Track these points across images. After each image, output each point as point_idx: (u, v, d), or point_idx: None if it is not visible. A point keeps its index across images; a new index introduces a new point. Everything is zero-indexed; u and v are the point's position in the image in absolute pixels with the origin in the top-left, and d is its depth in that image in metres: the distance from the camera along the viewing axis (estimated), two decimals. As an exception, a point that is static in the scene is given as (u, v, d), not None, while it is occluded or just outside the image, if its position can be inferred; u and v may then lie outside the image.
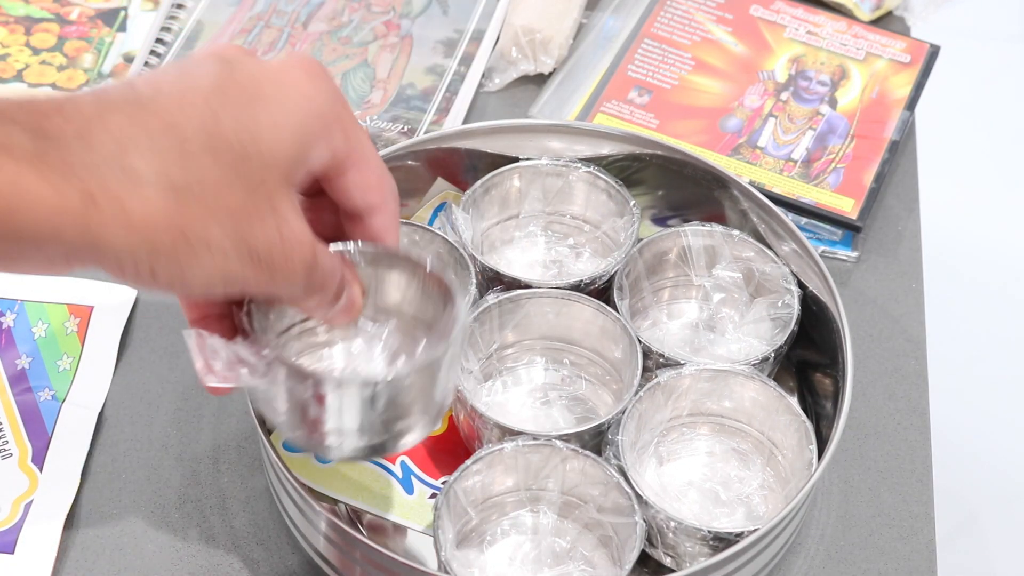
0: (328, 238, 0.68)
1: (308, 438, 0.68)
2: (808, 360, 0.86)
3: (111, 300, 0.90)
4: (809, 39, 1.07)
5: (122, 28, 1.09)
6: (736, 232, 0.86)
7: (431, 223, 0.89)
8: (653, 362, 0.81)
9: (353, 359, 0.74)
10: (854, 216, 0.96)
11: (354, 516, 0.79)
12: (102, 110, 0.57)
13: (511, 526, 0.78)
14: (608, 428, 0.78)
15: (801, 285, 0.84)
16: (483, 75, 1.06)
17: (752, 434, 0.81)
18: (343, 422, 0.67)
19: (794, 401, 0.80)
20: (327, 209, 0.68)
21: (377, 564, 0.72)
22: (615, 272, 0.84)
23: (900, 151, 1.02)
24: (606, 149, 0.89)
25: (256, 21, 1.09)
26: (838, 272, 0.95)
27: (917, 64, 1.06)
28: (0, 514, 0.80)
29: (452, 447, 0.81)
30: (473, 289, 0.82)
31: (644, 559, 0.76)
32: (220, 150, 0.58)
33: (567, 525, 0.78)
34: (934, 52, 1.07)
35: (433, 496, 0.79)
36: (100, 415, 0.85)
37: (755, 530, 0.73)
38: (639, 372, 0.79)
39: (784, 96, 1.03)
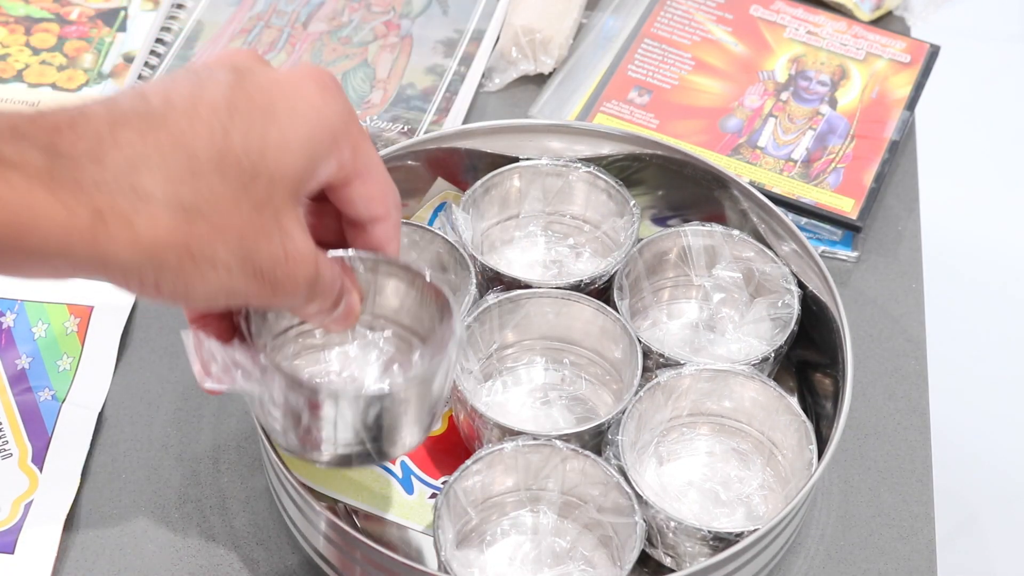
0: (331, 243, 0.69)
1: (301, 444, 0.69)
2: (808, 360, 0.86)
3: (111, 300, 0.90)
4: (809, 39, 1.07)
5: (122, 28, 1.09)
6: (736, 232, 0.86)
7: (431, 223, 0.89)
8: (653, 362, 0.81)
9: (349, 363, 0.75)
10: (854, 216, 0.96)
11: (354, 516, 0.79)
12: (114, 125, 0.57)
13: (511, 526, 0.78)
14: (608, 428, 0.78)
15: (801, 285, 0.84)
16: (483, 75, 1.06)
17: (752, 434, 0.81)
18: (336, 431, 0.67)
19: (794, 401, 0.80)
20: (331, 215, 0.69)
21: (377, 564, 0.72)
22: (615, 272, 0.84)
23: (900, 151, 1.02)
24: (606, 149, 0.89)
25: (256, 21, 1.09)
26: (838, 272, 0.95)
27: (917, 64, 1.06)
28: (0, 514, 0.80)
29: (452, 447, 0.81)
30: (473, 289, 0.83)
31: (644, 559, 0.76)
32: (229, 168, 0.58)
33: (567, 525, 0.78)
34: (934, 52, 1.07)
35: (433, 496, 0.79)
36: (100, 415, 0.85)
37: (755, 530, 0.73)
38: (639, 372, 0.79)
39: (784, 96, 1.03)
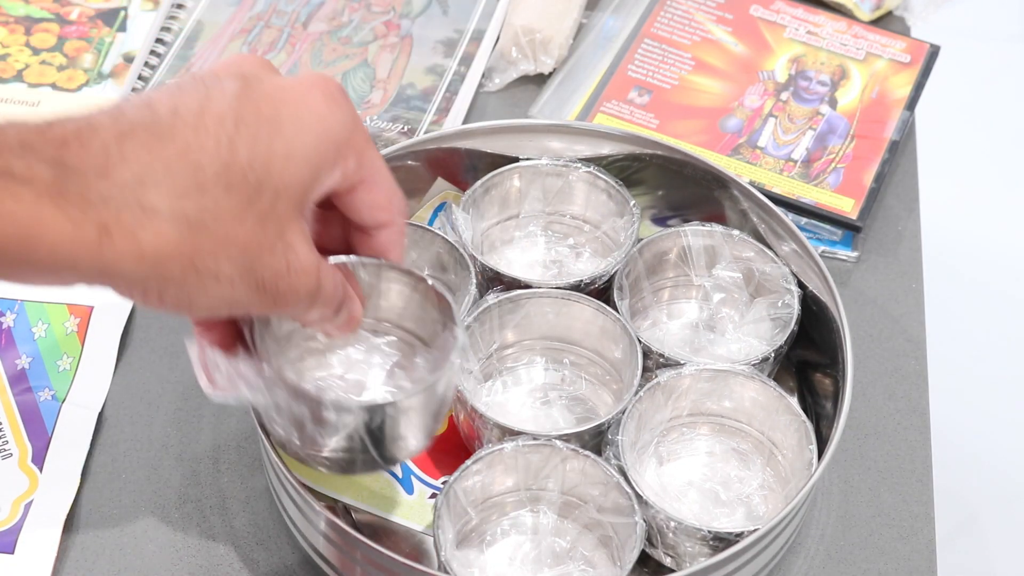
0: (335, 249, 0.69)
1: (305, 452, 0.70)
2: (808, 360, 0.86)
3: (111, 300, 0.90)
4: (809, 39, 1.07)
5: (122, 28, 1.09)
6: (736, 232, 0.86)
7: (431, 223, 0.89)
8: (653, 362, 0.81)
9: (352, 367, 0.75)
10: (854, 216, 0.96)
11: (354, 516, 0.79)
12: (121, 138, 0.57)
13: (511, 526, 0.78)
14: (608, 428, 0.78)
15: (801, 285, 0.84)
16: (483, 75, 1.06)
17: (752, 434, 0.81)
18: (341, 440, 0.68)
19: (794, 401, 0.80)
20: (336, 221, 0.69)
21: (377, 564, 0.72)
22: (615, 272, 0.84)
23: (900, 151, 1.02)
24: (606, 149, 0.89)
25: (256, 21, 1.09)
26: (838, 272, 0.95)
27: (917, 64, 1.06)
28: (0, 514, 0.80)
29: (452, 447, 0.81)
30: (473, 289, 0.83)
31: (644, 559, 0.76)
32: (234, 182, 0.59)
33: (567, 525, 0.78)
34: (934, 52, 1.07)
35: (433, 496, 0.79)
36: (100, 415, 0.85)
37: (755, 530, 0.73)
38: (639, 372, 0.79)
39: (784, 96, 1.03)
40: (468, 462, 0.76)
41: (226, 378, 0.66)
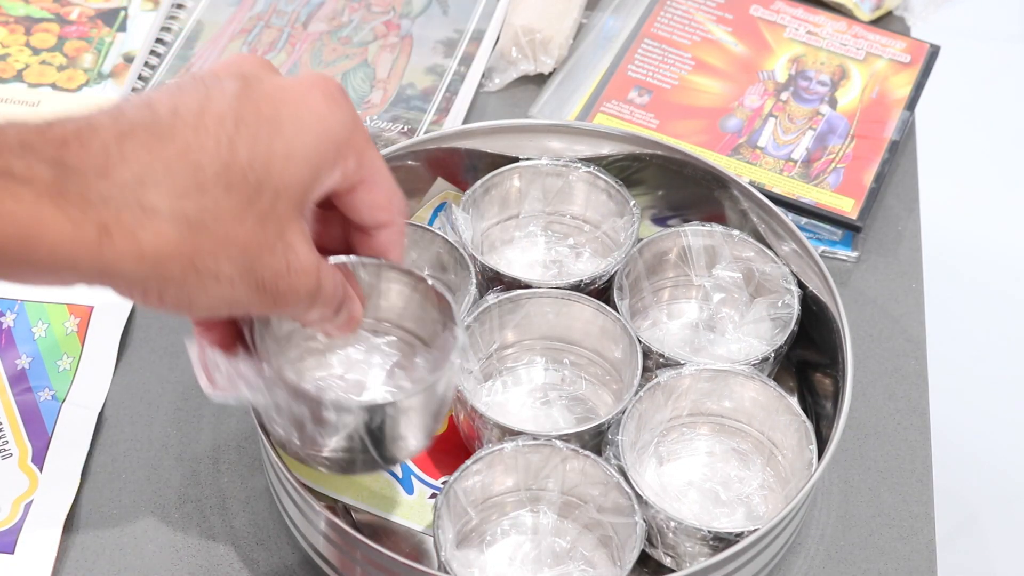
0: (335, 249, 0.69)
1: (306, 452, 0.70)
2: (808, 360, 0.86)
3: (111, 300, 0.90)
4: (809, 39, 1.07)
5: (122, 28, 1.09)
6: (736, 232, 0.86)
7: (431, 223, 0.89)
8: (653, 362, 0.81)
9: (352, 367, 0.75)
10: (854, 216, 0.96)
11: (354, 516, 0.79)
12: (121, 138, 0.57)
13: (511, 526, 0.78)
14: (608, 428, 0.78)
15: (801, 285, 0.84)
16: (483, 75, 1.06)
17: (752, 434, 0.81)
18: (341, 440, 0.68)
19: (794, 401, 0.80)
20: (337, 222, 0.69)
21: (377, 564, 0.72)
22: (615, 272, 0.84)
23: (900, 151, 1.02)
24: (606, 149, 0.89)
25: (256, 21, 1.09)
26: (838, 272, 0.95)
27: (917, 64, 1.06)
28: (0, 514, 0.80)
29: (452, 447, 0.81)
30: (473, 289, 0.83)
31: (644, 559, 0.76)
32: (234, 182, 0.59)
33: (567, 525, 0.78)
34: (934, 52, 1.07)
35: (433, 496, 0.79)
36: (100, 415, 0.85)
37: (755, 530, 0.73)
38: (639, 372, 0.79)
39: (784, 96, 1.03)
40: (468, 462, 0.76)
41: (226, 378, 0.66)
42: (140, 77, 1.05)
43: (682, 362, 0.80)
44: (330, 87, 0.63)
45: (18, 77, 1.05)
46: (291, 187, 0.61)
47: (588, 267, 0.89)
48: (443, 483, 0.77)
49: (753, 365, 0.80)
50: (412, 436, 0.70)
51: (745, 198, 0.87)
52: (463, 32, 1.09)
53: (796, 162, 0.99)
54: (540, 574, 0.76)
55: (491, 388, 0.83)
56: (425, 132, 1.00)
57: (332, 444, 0.68)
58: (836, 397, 0.80)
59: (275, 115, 0.60)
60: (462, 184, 0.90)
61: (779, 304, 0.84)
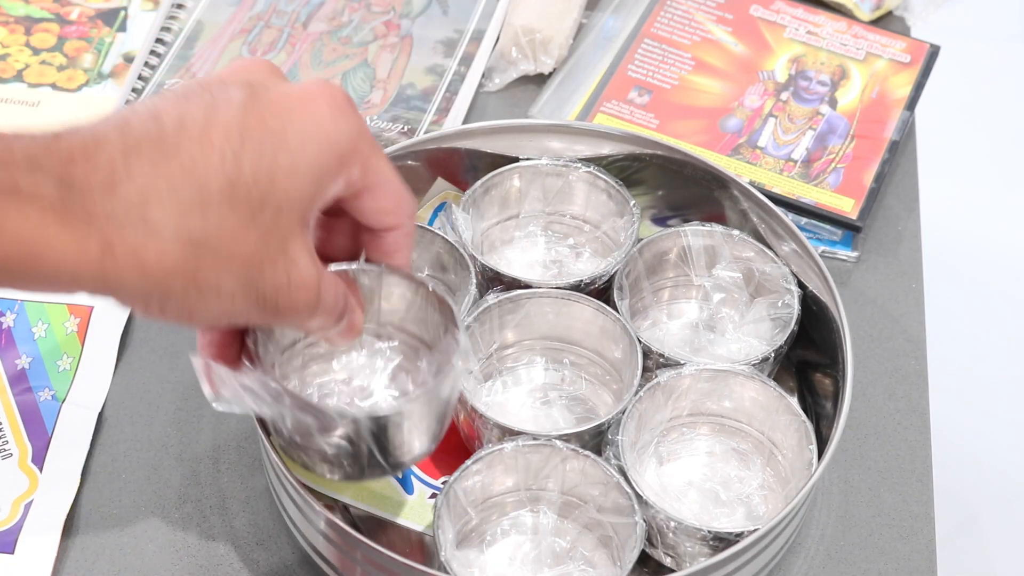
0: (340, 255, 0.70)
1: (312, 461, 0.71)
2: (808, 360, 0.86)
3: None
4: (809, 39, 1.07)
5: (122, 28, 1.09)
6: (736, 232, 0.86)
7: (431, 223, 0.89)
8: (653, 362, 0.81)
9: (356, 372, 0.75)
10: (854, 216, 0.96)
11: (353, 515, 0.79)
12: (127, 154, 0.57)
13: (511, 526, 0.78)
14: (608, 428, 0.78)
15: (801, 285, 0.84)
16: (483, 75, 1.06)
17: (752, 434, 0.81)
18: (347, 450, 0.69)
19: (794, 401, 0.80)
20: (342, 230, 0.69)
21: (377, 564, 0.72)
22: (615, 272, 0.84)
23: (900, 151, 1.02)
24: (606, 149, 0.89)
25: (256, 21, 1.09)
26: (838, 272, 0.95)
27: (917, 64, 1.06)
28: (0, 514, 0.80)
29: (452, 447, 0.81)
30: (473, 289, 0.83)
31: (644, 559, 0.76)
32: (238, 198, 0.59)
33: (567, 525, 0.78)
34: (934, 52, 1.07)
35: (433, 496, 0.79)
36: (100, 415, 0.85)
37: (755, 530, 0.73)
38: (639, 372, 0.79)
39: (784, 96, 1.03)
40: (468, 462, 0.76)
41: (231, 391, 0.67)
42: (140, 77, 1.05)
43: (682, 362, 0.80)
44: (336, 96, 0.63)
45: (18, 77, 1.05)
46: (294, 201, 0.61)
47: (588, 267, 0.89)
48: (443, 483, 0.77)
49: (753, 365, 0.80)
50: (418, 441, 0.70)
51: (745, 198, 0.87)
52: (463, 32, 1.09)
53: (796, 162, 0.99)
54: (540, 574, 0.76)
55: (491, 388, 0.83)
56: (425, 132, 1.00)
57: (338, 453, 0.69)
58: (836, 397, 0.80)
59: (280, 127, 0.61)
60: (462, 184, 0.90)
61: (779, 304, 0.84)
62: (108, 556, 0.80)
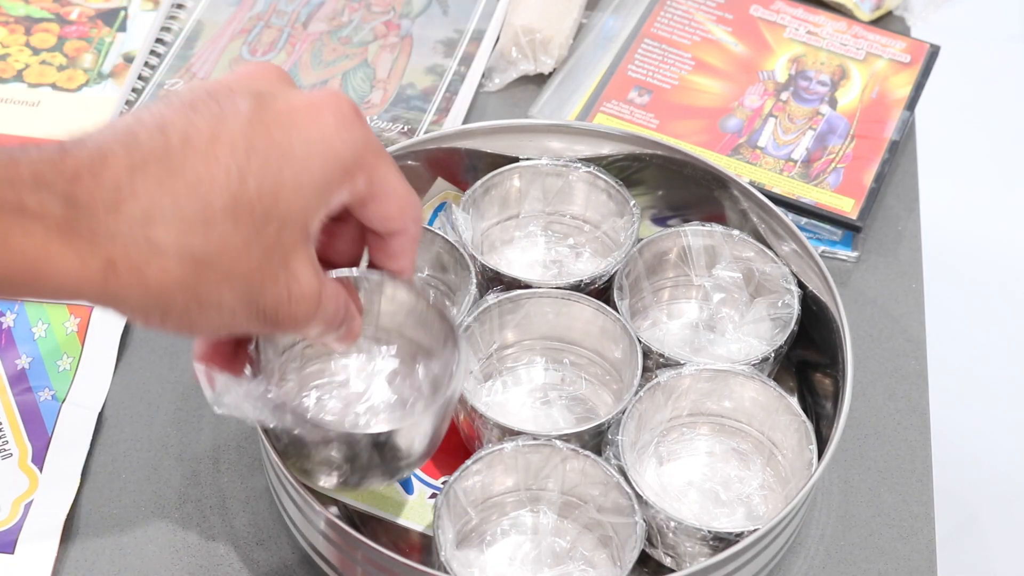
0: (343, 258, 0.70)
1: (310, 472, 0.71)
2: (808, 360, 0.86)
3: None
4: (809, 39, 1.07)
5: (122, 28, 1.09)
6: (736, 232, 0.86)
7: (431, 223, 0.89)
8: (653, 362, 0.81)
9: (354, 375, 0.76)
10: (854, 216, 0.96)
11: (353, 515, 0.79)
12: (132, 171, 0.58)
13: (511, 526, 0.78)
14: (608, 428, 0.78)
15: (801, 285, 0.84)
16: (483, 75, 1.06)
17: (752, 434, 0.81)
18: (345, 463, 0.70)
19: (794, 401, 0.80)
20: (348, 234, 0.69)
21: (377, 564, 0.72)
22: (615, 272, 0.84)
23: (900, 151, 1.02)
24: (606, 149, 0.89)
25: (256, 21, 1.09)
26: (838, 272, 0.95)
27: (917, 64, 1.06)
28: (0, 514, 0.80)
29: (452, 447, 0.81)
30: (473, 289, 0.83)
31: (644, 559, 0.76)
32: (242, 215, 0.59)
33: (567, 525, 0.78)
34: (934, 52, 1.07)
35: (433, 496, 0.79)
36: (100, 415, 0.85)
37: (755, 530, 0.73)
38: (639, 372, 0.79)
39: (784, 96, 1.03)
40: (468, 462, 0.76)
41: (233, 400, 0.67)
42: (140, 77, 1.05)
43: (682, 362, 0.80)
44: (342, 106, 0.63)
45: (18, 77, 1.05)
46: (298, 215, 0.61)
47: (588, 267, 0.89)
48: (443, 483, 0.77)
49: (753, 365, 0.80)
50: (414, 454, 0.71)
51: (745, 198, 0.87)
52: (463, 32, 1.09)
53: (796, 162, 0.99)
54: (540, 574, 0.76)
55: (491, 388, 0.83)
56: (425, 132, 1.00)
57: (336, 465, 0.70)
58: (836, 397, 0.80)
59: (286, 141, 0.61)
60: (462, 184, 0.90)
61: (779, 304, 0.84)
62: (108, 556, 0.80)
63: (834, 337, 0.81)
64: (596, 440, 0.78)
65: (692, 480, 0.81)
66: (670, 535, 0.74)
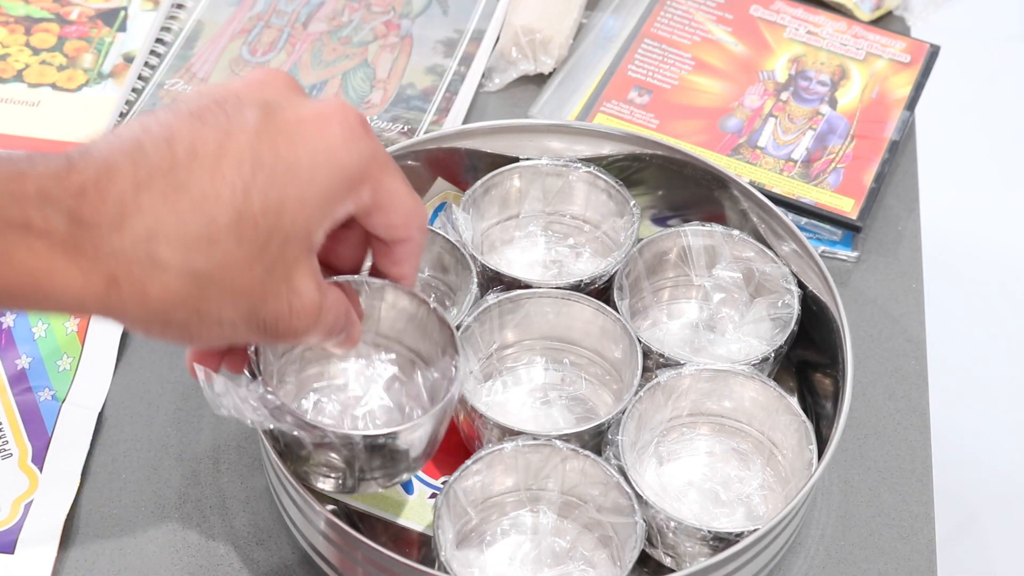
0: (345, 263, 0.70)
1: (308, 475, 0.71)
2: (808, 360, 0.86)
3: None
4: (809, 39, 1.07)
5: (122, 28, 1.09)
6: (736, 232, 0.86)
7: (431, 223, 0.89)
8: (653, 362, 0.81)
9: (352, 379, 0.76)
10: (854, 216, 0.96)
11: (353, 515, 0.79)
12: (137, 188, 0.58)
13: (511, 526, 0.78)
14: (608, 428, 0.78)
15: (801, 285, 0.84)
16: (483, 75, 1.06)
17: (752, 434, 0.81)
18: (342, 466, 0.70)
19: (794, 401, 0.80)
20: (351, 241, 0.70)
21: (377, 564, 0.72)
22: (615, 272, 0.84)
23: (900, 151, 1.02)
24: (606, 149, 0.89)
25: (256, 21, 1.09)
26: (838, 272, 0.95)
27: (917, 64, 1.06)
28: (0, 514, 0.80)
29: (452, 447, 0.81)
30: (475, 288, 0.83)
31: (644, 559, 0.76)
32: (245, 232, 0.59)
33: (567, 525, 0.78)
34: (934, 52, 1.07)
35: (433, 496, 0.79)
36: (100, 415, 0.85)
37: (755, 530, 0.73)
38: (639, 372, 0.79)
39: (784, 96, 1.03)
40: (468, 462, 0.76)
41: (232, 403, 0.68)
42: (140, 77, 1.05)
43: (682, 362, 0.80)
44: (349, 118, 0.63)
45: (18, 77, 1.05)
46: (301, 229, 0.61)
47: (588, 267, 0.89)
48: (443, 483, 0.77)
49: (753, 365, 0.80)
50: (411, 460, 0.71)
51: (745, 198, 0.87)
52: (463, 32, 1.09)
53: (796, 162, 0.99)
54: (540, 574, 0.76)
55: (491, 388, 0.83)
56: (425, 132, 1.00)
57: (333, 469, 0.70)
58: (836, 397, 0.80)
59: (292, 155, 0.61)
60: (462, 184, 0.90)
61: (779, 304, 0.84)
62: (108, 556, 0.80)
63: (834, 337, 0.81)
64: (596, 440, 0.78)
65: (692, 480, 0.81)
66: (670, 535, 0.74)
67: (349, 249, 0.70)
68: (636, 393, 0.78)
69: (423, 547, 0.78)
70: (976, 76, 2.16)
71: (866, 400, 0.89)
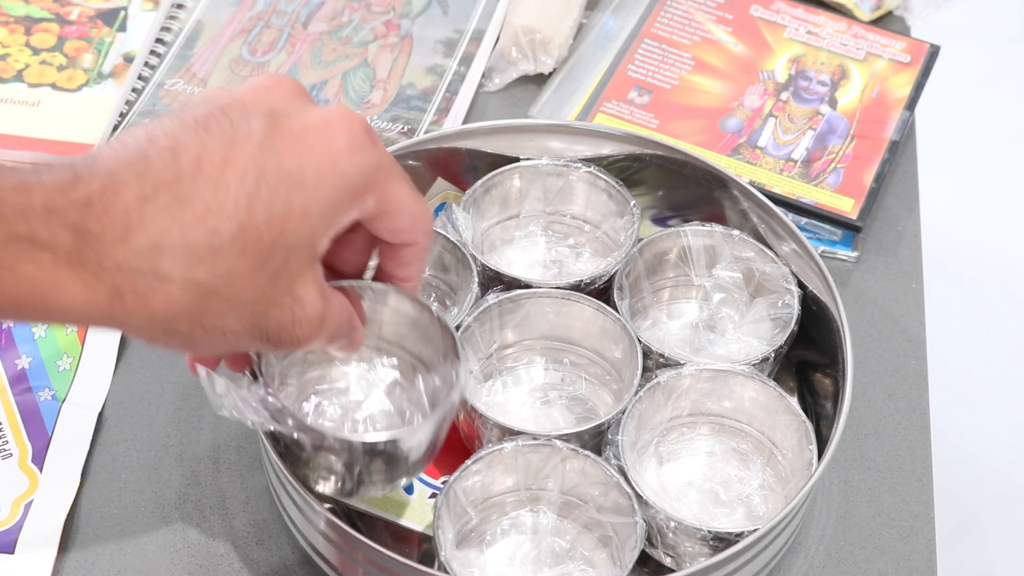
0: (350, 266, 0.71)
1: (308, 477, 0.72)
2: (808, 360, 0.86)
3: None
4: (809, 39, 1.07)
5: (122, 28, 1.09)
6: (736, 232, 0.86)
7: (431, 223, 0.89)
8: (653, 362, 0.81)
9: (353, 383, 0.76)
10: (854, 216, 0.96)
11: (353, 515, 0.79)
12: (142, 201, 0.58)
13: (511, 526, 0.78)
14: (608, 428, 0.78)
15: (801, 285, 0.84)
16: (483, 75, 1.06)
17: (752, 434, 0.81)
18: (340, 471, 0.70)
19: (794, 401, 0.80)
20: (355, 245, 0.70)
21: (377, 564, 0.72)
22: (615, 272, 0.84)
23: (900, 151, 1.02)
24: (606, 149, 0.89)
25: (256, 21, 1.09)
26: (838, 272, 0.95)
27: (917, 64, 1.06)
28: (0, 514, 0.80)
29: (452, 447, 0.81)
30: (475, 287, 0.83)
31: (644, 559, 0.76)
32: (249, 244, 0.60)
33: (567, 525, 0.78)
34: (934, 52, 1.07)
35: (433, 496, 0.79)
36: (100, 415, 0.85)
37: (755, 530, 0.73)
38: (639, 372, 0.79)
39: (784, 96, 1.03)
40: (468, 462, 0.76)
41: (233, 404, 0.68)
42: (140, 77, 1.05)
43: (682, 362, 0.80)
44: (354, 126, 0.63)
45: (18, 77, 1.05)
46: (305, 239, 0.62)
47: (588, 267, 0.89)
48: (443, 483, 0.77)
49: (753, 365, 0.80)
50: (412, 464, 0.71)
51: (745, 198, 0.87)
52: (463, 32, 1.09)
53: (796, 162, 0.99)
54: (540, 574, 0.76)
55: (491, 388, 0.83)
56: (425, 132, 1.00)
57: (333, 472, 0.70)
58: (836, 397, 0.80)
59: (297, 166, 0.61)
60: (462, 184, 0.90)
61: (779, 304, 0.84)
62: (108, 556, 0.80)
63: (834, 337, 0.81)
64: (596, 440, 0.78)
65: (692, 480, 0.81)
66: (670, 535, 0.74)
67: (353, 252, 0.70)
68: (636, 393, 0.78)
69: (423, 547, 0.78)
70: (976, 76, 2.16)
71: (866, 400, 0.89)
